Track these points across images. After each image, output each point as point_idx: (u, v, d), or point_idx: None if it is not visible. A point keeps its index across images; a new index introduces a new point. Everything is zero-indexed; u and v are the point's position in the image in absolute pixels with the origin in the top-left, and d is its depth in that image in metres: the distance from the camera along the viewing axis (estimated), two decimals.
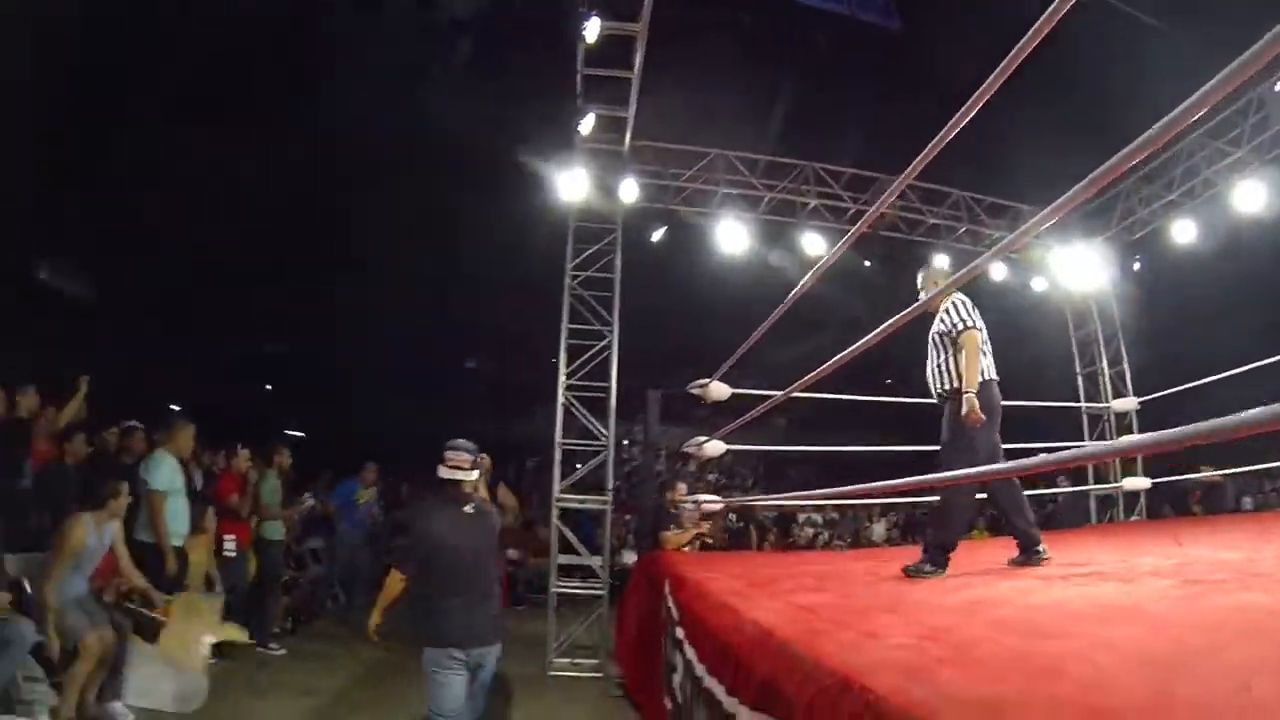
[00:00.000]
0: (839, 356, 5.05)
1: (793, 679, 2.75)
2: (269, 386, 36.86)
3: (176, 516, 7.85)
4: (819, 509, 17.34)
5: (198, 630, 7.40)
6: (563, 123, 10.46)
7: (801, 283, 5.31)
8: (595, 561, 10.18)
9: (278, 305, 34.76)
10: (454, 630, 5.28)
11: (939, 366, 5.88)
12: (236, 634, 8.25)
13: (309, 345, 38.27)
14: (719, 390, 7.98)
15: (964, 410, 5.52)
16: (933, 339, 5.95)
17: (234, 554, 9.20)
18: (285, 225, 34.86)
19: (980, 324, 5.81)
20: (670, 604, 5.82)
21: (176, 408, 10.24)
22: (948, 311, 5.89)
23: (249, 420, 10.96)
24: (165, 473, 7.78)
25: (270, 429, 12.15)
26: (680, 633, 5.12)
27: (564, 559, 10.28)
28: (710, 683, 3.90)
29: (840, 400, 9.36)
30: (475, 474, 5.64)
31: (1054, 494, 13.19)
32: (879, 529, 17.81)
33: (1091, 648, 2.68)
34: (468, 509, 5.51)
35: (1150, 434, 2.24)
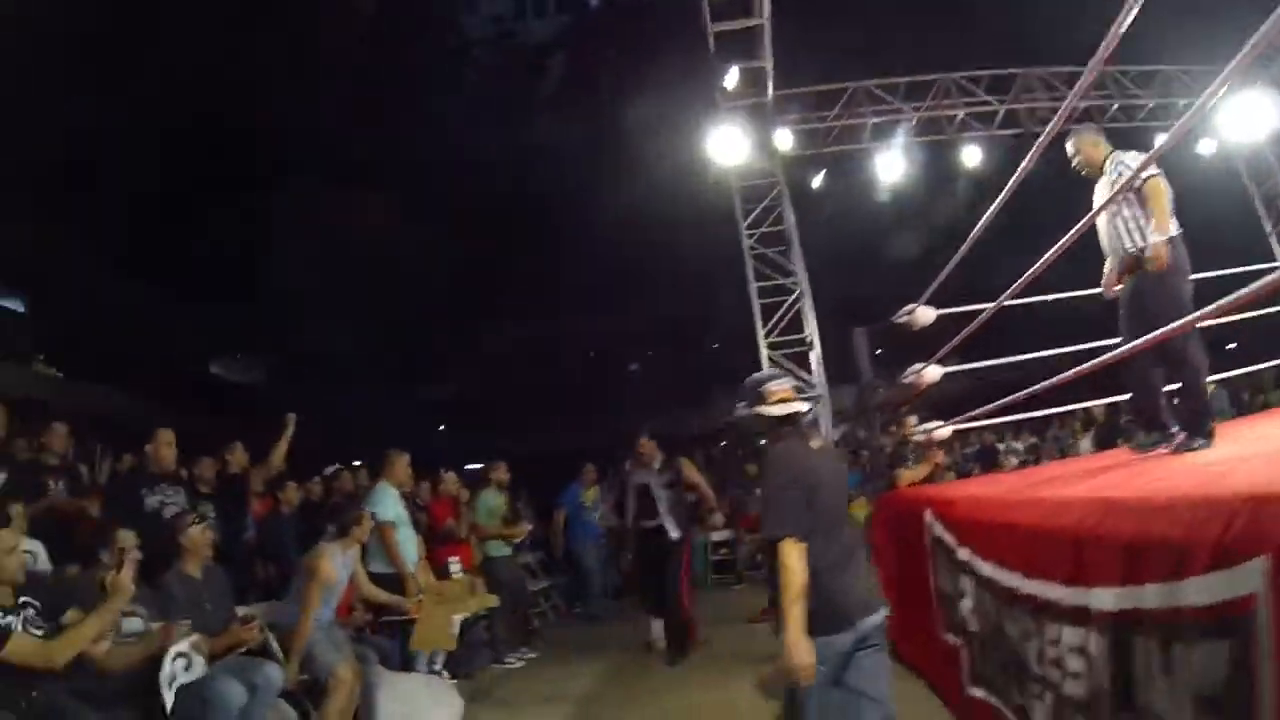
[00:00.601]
0: (1048, 255, 4.98)
1: (1180, 527, 2.53)
2: (441, 427, 37.86)
3: (406, 546, 7.93)
4: (1016, 435, 16.80)
5: (446, 612, 7.50)
6: (704, 96, 10.41)
7: (1009, 185, 5.11)
8: None
9: (441, 350, 35.82)
10: (852, 603, 3.76)
11: (1124, 224, 5.50)
12: (486, 600, 8.42)
13: (473, 385, 39.40)
14: (925, 315, 7.61)
15: (1149, 254, 5.19)
16: (1110, 207, 5.49)
17: (460, 574, 9.29)
18: (449, 268, 36.14)
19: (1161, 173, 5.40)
20: (939, 532, 5.51)
21: (358, 463, 10.46)
22: (1120, 167, 5.52)
23: (427, 460, 11.09)
24: (390, 503, 7.87)
25: (447, 467, 12.24)
26: (964, 554, 4.83)
27: None
28: (1033, 587, 3.63)
29: (1006, 322, 8.96)
30: (808, 406, 4.60)
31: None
32: (1085, 443, 17.00)
33: None
34: (815, 444, 4.16)
35: None
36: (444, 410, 39.12)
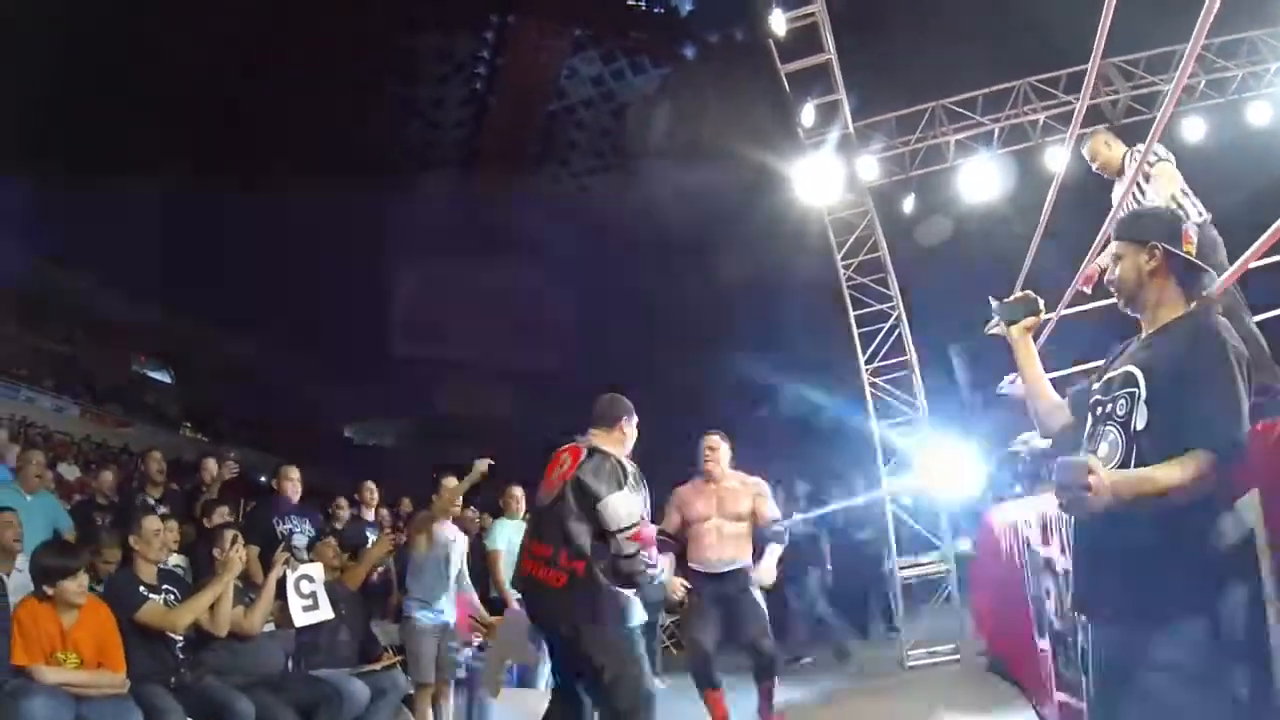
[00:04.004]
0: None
1: None
2: None
3: None
4: None
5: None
6: (787, 138, 10.61)
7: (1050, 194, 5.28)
8: (941, 546, 10.06)
9: (564, 409, 36.67)
10: None
11: None
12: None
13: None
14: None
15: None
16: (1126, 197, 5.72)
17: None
18: (569, 330, 37.08)
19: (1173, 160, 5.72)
20: (1027, 534, 5.67)
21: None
22: (1132, 158, 5.90)
23: None
24: (498, 532, 8.33)
25: None
26: (1046, 551, 4.97)
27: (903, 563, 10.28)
28: None
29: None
30: None
31: None
32: None
33: None
34: None
35: None
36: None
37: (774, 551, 6.60)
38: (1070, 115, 11.28)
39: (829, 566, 11.20)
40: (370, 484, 9.22)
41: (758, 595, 6.39)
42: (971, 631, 8.73)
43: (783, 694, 8.23)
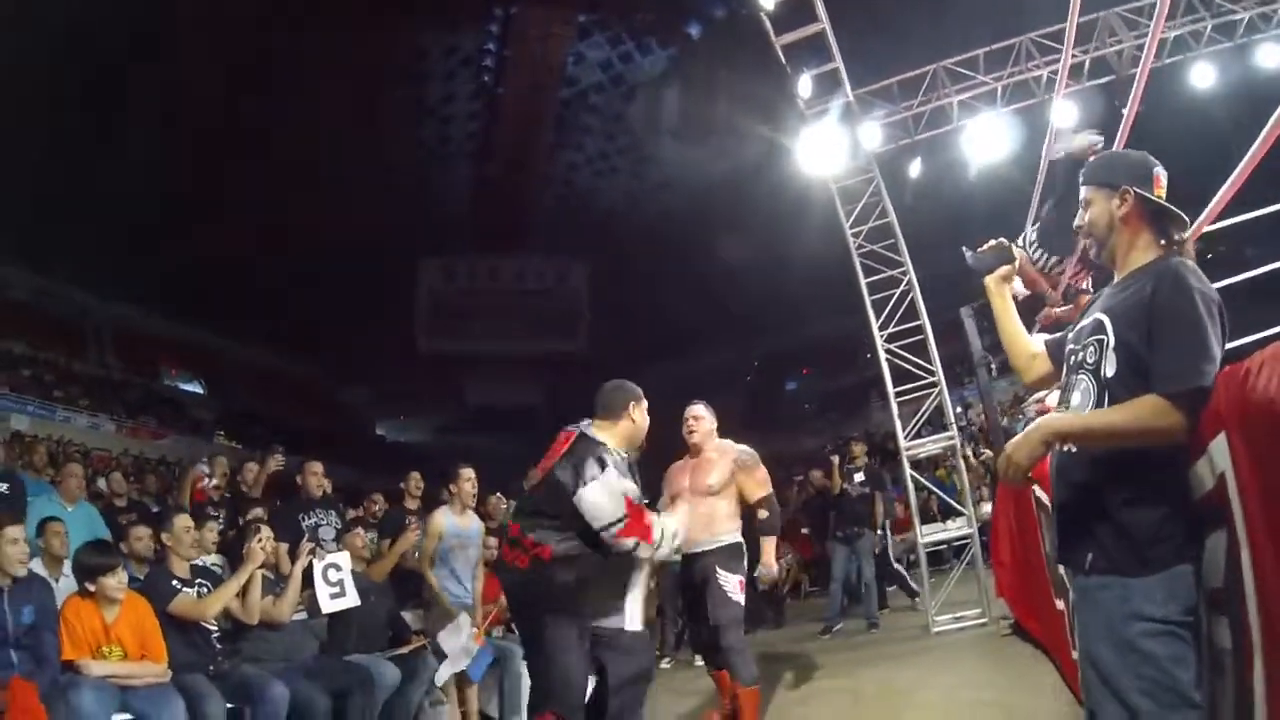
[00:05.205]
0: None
1: None
2: None
3: None
4: None
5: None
6: (787, 112, 10.58)
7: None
8: (961, 514, 10.10)
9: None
10: None
11: None
12: None
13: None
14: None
15: None
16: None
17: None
18: (599, 314, 37.16)
19: None
20: (1039, 493, 5.61)
21: None
22: None
23: None
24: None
25: None
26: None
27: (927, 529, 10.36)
28: None
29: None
30: None
31: None
32: None
33: None
34: None
35: None
36: None
37: (768, 546, 6.14)
38: (1074, 69, 11.29)
39: (881, 531, 11.27)
40: (416, 474, 9.43)
41: (724, 582, 5.75)
42: (995, 595, 8.77)
43: (811, 661, 8.41)
